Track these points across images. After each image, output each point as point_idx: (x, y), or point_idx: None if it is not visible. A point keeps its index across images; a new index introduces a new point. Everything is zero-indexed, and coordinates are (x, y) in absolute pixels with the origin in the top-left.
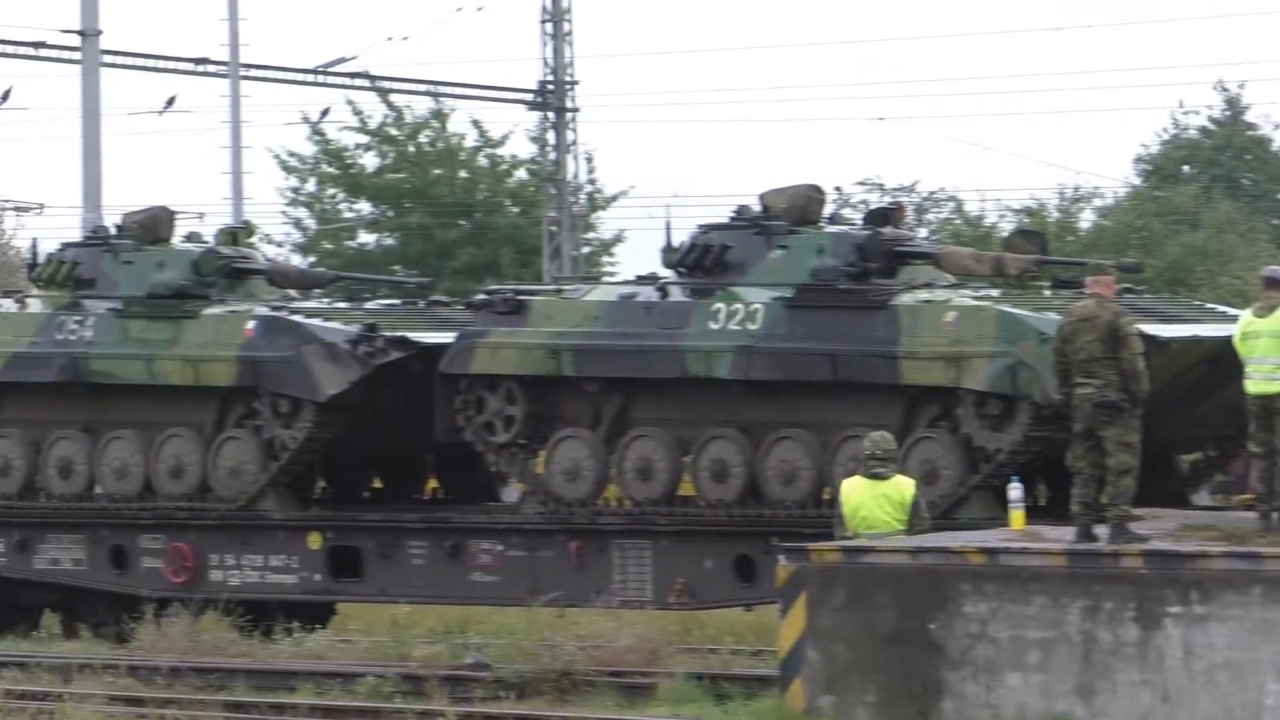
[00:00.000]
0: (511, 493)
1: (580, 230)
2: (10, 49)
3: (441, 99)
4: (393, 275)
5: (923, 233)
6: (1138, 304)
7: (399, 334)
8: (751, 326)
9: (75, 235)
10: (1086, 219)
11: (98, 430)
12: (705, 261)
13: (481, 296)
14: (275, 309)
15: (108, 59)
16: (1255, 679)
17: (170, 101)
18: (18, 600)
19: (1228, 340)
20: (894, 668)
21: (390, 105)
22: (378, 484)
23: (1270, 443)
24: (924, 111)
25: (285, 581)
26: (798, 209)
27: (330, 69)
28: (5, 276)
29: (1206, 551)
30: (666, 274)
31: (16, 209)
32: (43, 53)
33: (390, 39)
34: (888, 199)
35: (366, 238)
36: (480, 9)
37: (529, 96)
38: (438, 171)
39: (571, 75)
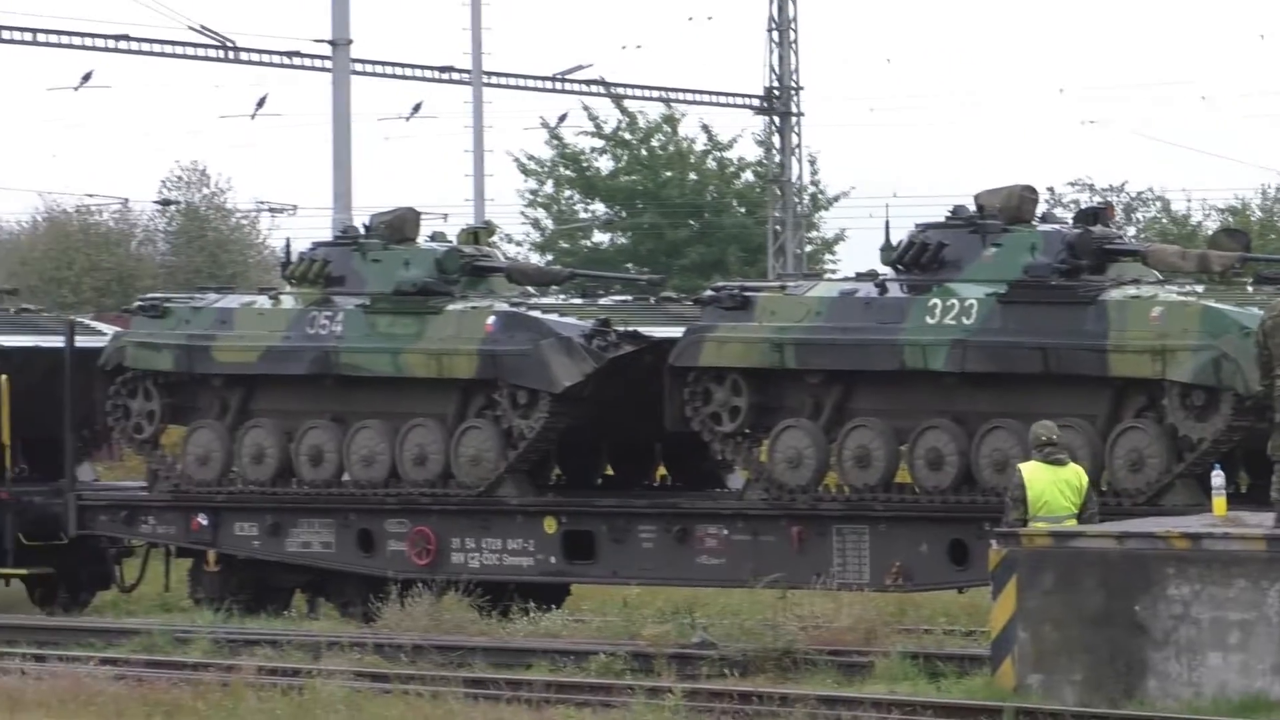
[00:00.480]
0: (736, 480)
1: (803, 229)
2: (266, 58)
3: (672, 104)
4: (625, 273)
5: (1130, 231)
6: None
7: (631, 329)
8: (966, 321)
9: (326, 235)
10: None
11: (346, 420)
12: (922, 259)
13: (709, 293)
14: (514, 305)
15: (357, 67)
16: None
17: (417, 108)
18: (270, 581)
19: None
20: (1100, 648)
21: (624, 111)
22: (610, 471)
23: None
24: (1128, 115)
25: (522, 564)
26: (1011, 208)
27: (568, 76)
28: (260, 274)
29: None
30: (885, 271)
31: (271, 210)
32: (296, 62)
33: (625, 47)
34: (1097, 199)
35: (600, 237)
36: (710, 19)
37: (756, 101)
38: (668, 174)
39: (796, 81)
